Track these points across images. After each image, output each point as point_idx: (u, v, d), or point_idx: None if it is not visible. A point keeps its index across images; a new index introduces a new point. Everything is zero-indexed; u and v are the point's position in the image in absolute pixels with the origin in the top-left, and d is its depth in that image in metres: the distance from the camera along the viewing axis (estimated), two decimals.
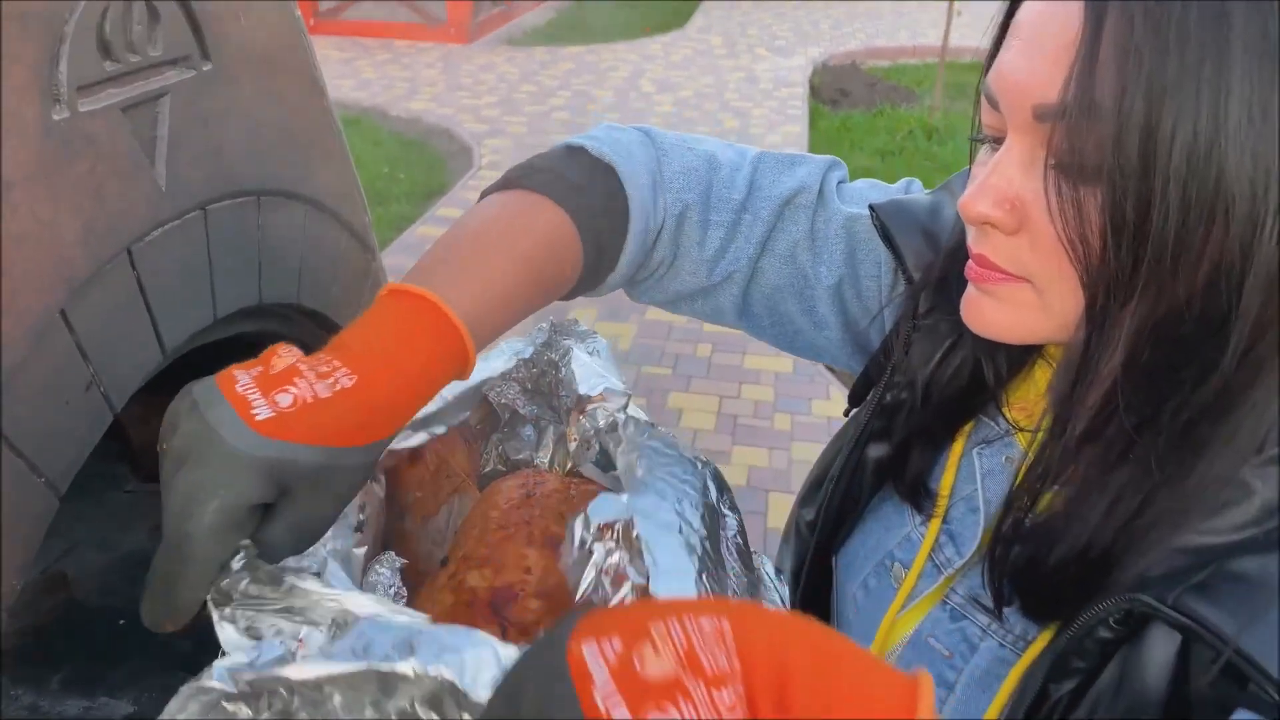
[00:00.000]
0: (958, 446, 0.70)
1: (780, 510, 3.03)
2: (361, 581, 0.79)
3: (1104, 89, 0.49)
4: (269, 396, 0.51)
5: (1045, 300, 0.56)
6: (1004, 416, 0.67)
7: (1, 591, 0.68)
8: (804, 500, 0.82)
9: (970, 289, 0.60)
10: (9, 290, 0.62)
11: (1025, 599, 0.60)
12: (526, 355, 1.04)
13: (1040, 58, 0.53)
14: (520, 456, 1.08)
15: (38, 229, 0.63)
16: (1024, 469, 0.62)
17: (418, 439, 0.89)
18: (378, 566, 0.79)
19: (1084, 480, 0.57)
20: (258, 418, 0.50)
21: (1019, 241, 0.56)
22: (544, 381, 1.06)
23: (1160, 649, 0.54)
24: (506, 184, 0.72)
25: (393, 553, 0.81)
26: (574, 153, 0.74)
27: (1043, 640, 0.60)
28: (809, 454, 3.34)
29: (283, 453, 0.50)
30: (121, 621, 0.76)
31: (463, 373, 0.63)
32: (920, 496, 0.71)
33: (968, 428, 0.70)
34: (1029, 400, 0.67)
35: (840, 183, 0.82)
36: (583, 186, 0.71)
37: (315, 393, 0.51)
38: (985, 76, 0.58)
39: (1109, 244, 0.51)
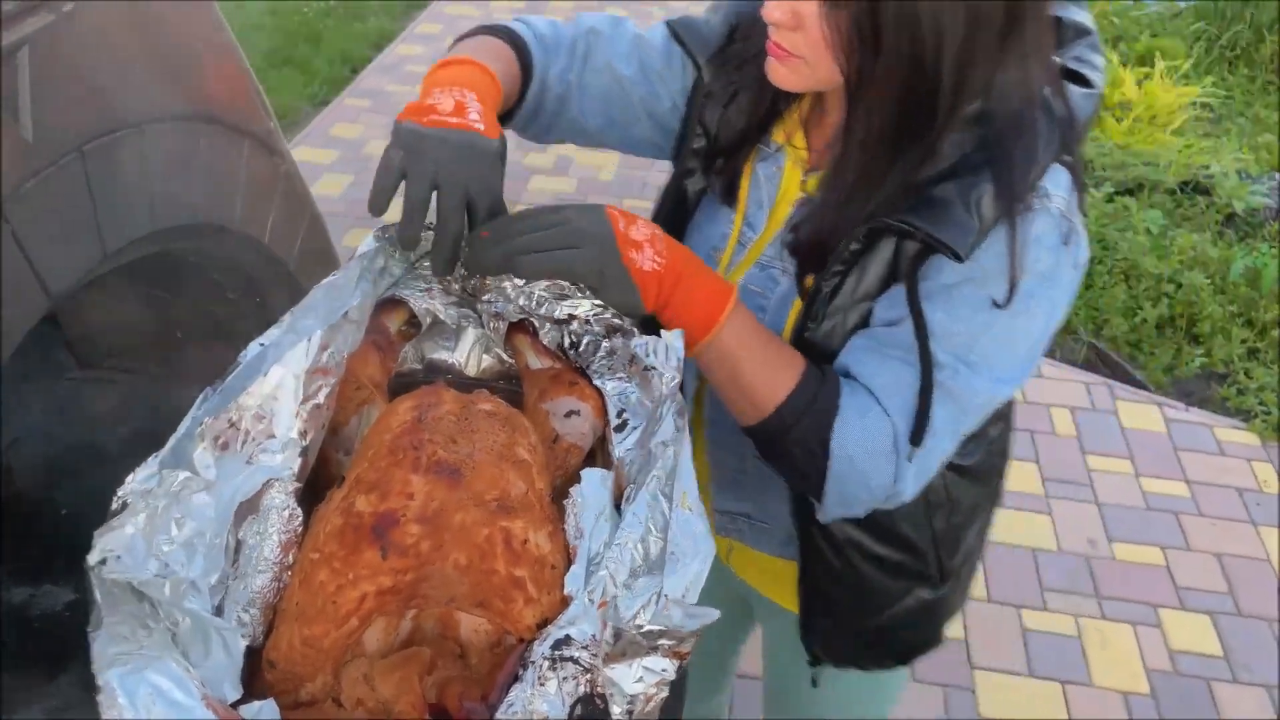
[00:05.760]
0: (748, 167, 1.11)
1: None
2: (261, 499, 0.85)
3: None
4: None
5: (815, 71, 0.93)
6: (773, 140, 1.09)
7: None
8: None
9: (770, 59, 0.96)
10: None
11: (807, 251, 1.01)
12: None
13: None
14: (437, 355, 1.13)
15: None
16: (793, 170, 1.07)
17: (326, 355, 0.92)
18: (271, 491, 0.85)
19: (843, 169, 0.96)
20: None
21: (798, 36, 0.91)
22: (471, 284, 1.09)
23: (885, 249, 0.96)
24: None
25: (291, 474, 0.87)
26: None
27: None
28: None
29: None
30: (64, 511, 0.82)
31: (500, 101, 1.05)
32: (731, 196, 1.12)
33: (754, 155, 1.10)
34: (789, 129, 1.08)
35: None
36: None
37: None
38: None
39: (856, 47, 0.87)
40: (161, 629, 0.75)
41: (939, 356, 0.94)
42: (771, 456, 1.04)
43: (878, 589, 1.17)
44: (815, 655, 1.26)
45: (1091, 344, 3.54)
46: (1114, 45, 5.00)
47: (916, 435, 0.94)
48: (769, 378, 0.97)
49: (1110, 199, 3.97)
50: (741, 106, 1.08)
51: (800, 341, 1.02)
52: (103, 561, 0.71)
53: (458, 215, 0.91)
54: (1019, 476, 3.00)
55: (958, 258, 0.89)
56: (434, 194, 0.90)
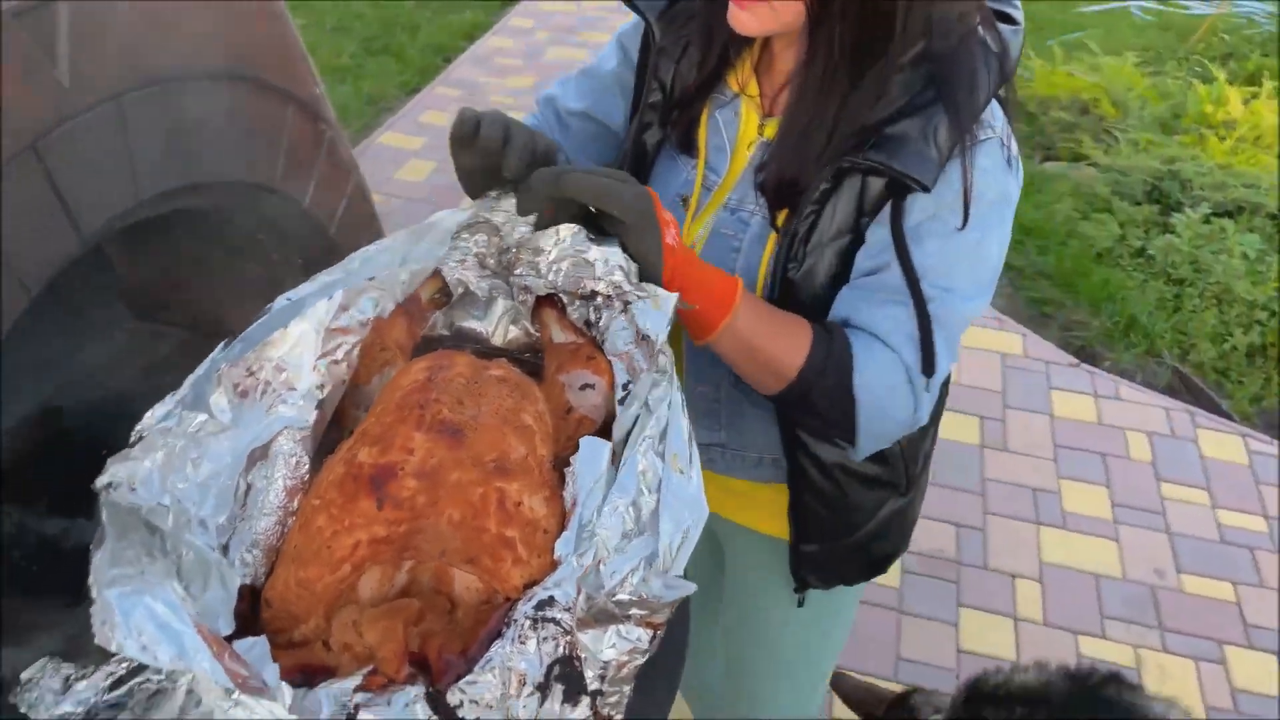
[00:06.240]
0: (704, 114, 1.16)
1: None
2: (271, 445, 0.88)
3: None
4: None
5: (778, 14, 0.99)
6: (729, 87, 1.15)
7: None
8: None
9: (732, 7, 1.01)
10: None
11: (776, 190, 1.08)
12: (505, 229, 1.07)
13: None
14: (466, 324, 1.14)
15: None
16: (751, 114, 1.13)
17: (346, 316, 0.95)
18: (281, 438, 0.87)
19: (801, 106, 1.03)
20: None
21: None
22: (506, 259, 1.10)
23: (851, 187, 1.03)
24: None
25: (305, 424, 0.89)
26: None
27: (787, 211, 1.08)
28: None
29: None
30: (104, 451, 0.86)
31: None
32: (689, 145, 1.17)
33: (709, 104, 1.15)
34: (743, 77, 1.14)
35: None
36: None
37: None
38: None
39: None
40: (168, 561, 0.78)
41: (926, 291, 1.02)
42: (801, 414, 1.13)
43: (859, 505, 1.27)
44: (803, 581, 1.35)
45: (1176, 369, 3.41)
46: (1223, 63, 4.81)
47: (928, 366, 1.04)
48: (784, 346, 1.03)
49: (1207, 220, 3.82)
50: (693, 59, 1.14)
51: (784, 282, 1.09)
52: (109, 485, 0.74)
53: (525, 132, 0.99)
54: (1086, 499, 2.91)
55: (924, 189, 0.98)
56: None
